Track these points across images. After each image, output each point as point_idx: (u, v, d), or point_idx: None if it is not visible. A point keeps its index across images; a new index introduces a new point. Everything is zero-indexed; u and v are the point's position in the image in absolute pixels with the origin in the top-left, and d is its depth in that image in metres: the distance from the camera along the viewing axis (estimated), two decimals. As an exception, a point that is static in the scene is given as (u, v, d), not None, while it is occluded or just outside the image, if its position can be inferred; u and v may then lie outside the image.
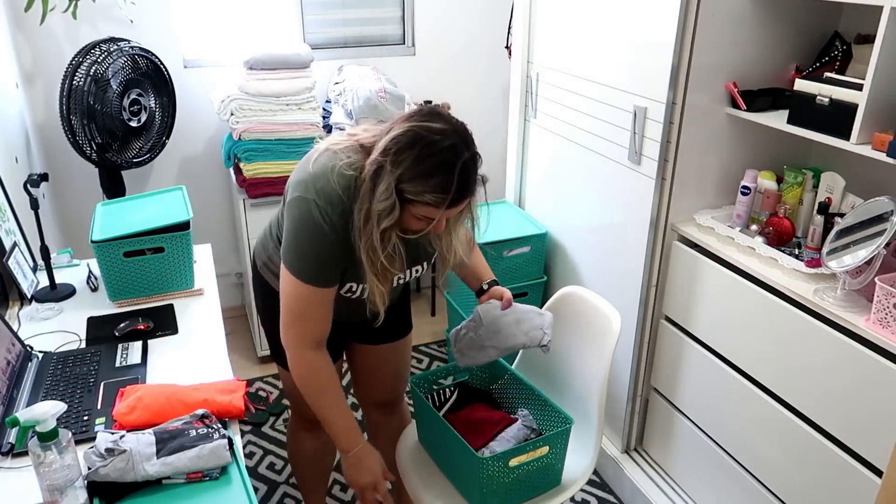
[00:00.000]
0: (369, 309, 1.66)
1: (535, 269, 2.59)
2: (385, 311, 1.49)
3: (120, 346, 1.70)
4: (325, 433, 1.92)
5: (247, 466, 1.37)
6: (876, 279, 1.49)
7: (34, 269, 2.03)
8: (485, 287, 1.71)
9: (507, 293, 1.69)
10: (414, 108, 1.35)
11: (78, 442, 1.34)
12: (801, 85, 1.68)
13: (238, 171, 2.77)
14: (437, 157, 1.26)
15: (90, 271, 2.02)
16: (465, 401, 1.78)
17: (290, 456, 2.03)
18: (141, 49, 2.59)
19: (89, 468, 1.24)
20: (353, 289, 1.51)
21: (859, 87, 1.52)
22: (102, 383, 1.55)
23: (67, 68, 2.47)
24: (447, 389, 1.79)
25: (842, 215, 1.68)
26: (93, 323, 1.81)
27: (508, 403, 1.79)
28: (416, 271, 1.60)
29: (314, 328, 1.48)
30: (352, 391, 2.05)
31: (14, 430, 1.35)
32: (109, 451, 1.24)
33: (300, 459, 1.98)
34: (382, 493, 1.55)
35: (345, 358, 1.87)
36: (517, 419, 1.68)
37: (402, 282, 1.60)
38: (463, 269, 1.73)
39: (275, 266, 1.61)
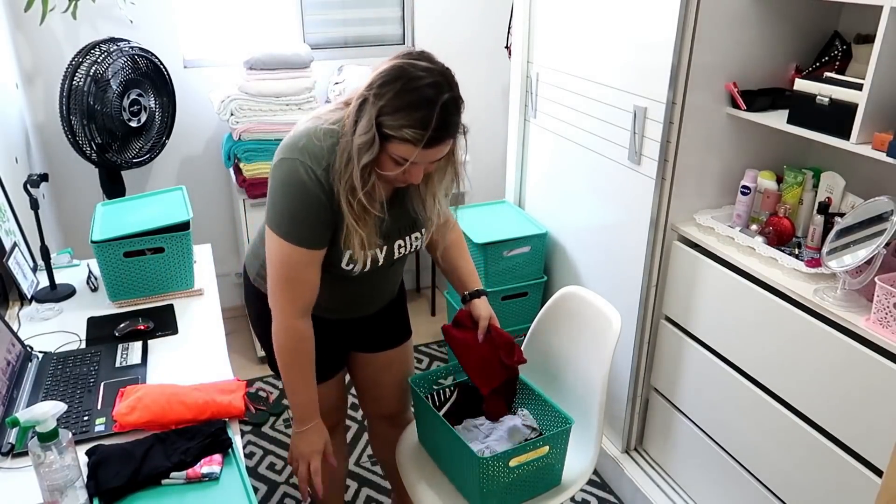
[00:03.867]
0: (370, 297, 1.65)
1: (535, 269, 2.59)
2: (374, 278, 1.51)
3: (120, 346, 1.70)
4: (333, 442, 1.90)
5: (247, 466, 1.37)
6: (876, 279, 1.48)
7: (34, 270, 2.03)
8: (467, 296, 1.69)
9: (485, 319, 1.66)
10: (403, 50, 1.34)
11: (78, 442, 1.34)
12: (801, 85, 1.68)
13: (238, 171, 2.77)
14: (419, 93, 1.25)
15: (90, 271, 2.02)
16: (466, 401, 1.78)
17: None
18: (141, 49, 2.59)
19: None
20: (354, 256, 1.44)
21: (859, 87, 1.52)
22: (102, 383, 1.55)
23: (67, 68, 2.47)
24: (447, 389, 1.79)
25: (842, 215, 1.68)
26: (93, 323, 1.81)
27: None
28: (416, 238, 1.56)
29: (304, 292, 1.44)
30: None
31: (14, 431, 1.36)
32: None
33: None
34: (314, 468, 1.56)
35: (347, 370, 1.86)
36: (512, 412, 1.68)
37: (403, 251, 1.55)
38: (449, 270, 1.71)
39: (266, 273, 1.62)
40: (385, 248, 1.50)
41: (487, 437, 1.66)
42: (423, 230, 1.56)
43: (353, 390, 1.97)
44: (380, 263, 1.51)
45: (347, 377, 1.88)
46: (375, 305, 1.71)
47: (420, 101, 1.25)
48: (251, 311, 1.73)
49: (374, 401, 1.90)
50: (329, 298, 1.60)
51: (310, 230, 1.38)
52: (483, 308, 1.67)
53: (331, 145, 1.35)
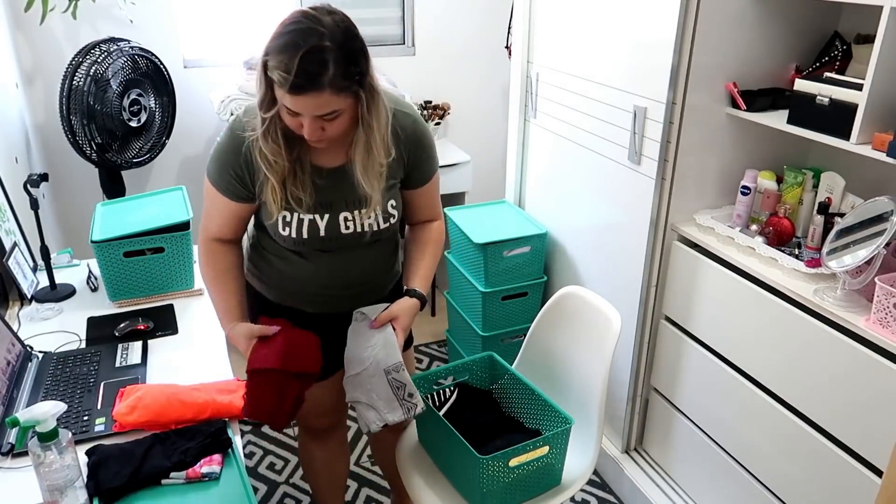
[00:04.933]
0: (339, 285, 1.60)
1: (535, 269, 2.59)
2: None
3: (120, 346, 1.70)
4: (333, 442, 1.91)
5: (247, 466, 1.37)
6: (876, 279, 1.48)
7: (34, 269, 2.03)
8: (404, 289, 1.61)
9: (396, 322, 1.55)
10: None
11: (78, 442, 1.34)
12: (801, 85, 1.68)
13: (238, 171, 2.77)
14: (288, 37, 1.27)
15: (90, 271, 2.02)
16: (466, 401, 1.78)
17: (303, 467, 2.02)
18: (141, 49, 2.59)
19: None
20: (287, 219, 1.47)
21: (859, 87, 1.52)
22: (102, 383, 1.55)
23: (67, 68, 2.47)
24: (447, 389, 1.79)
25: (842, 215, 1.68)
26: (93, 323, 1.81)
27: (508, 403, 1.79)
28: (367, 216, 1.50)
29: (215, 228, 1.57)
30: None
31: (14, 431, 1.36)
32: None
33: (312, 469, 1.97)
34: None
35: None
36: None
37: (351, 226, 1.50)
38: (405, 261, 1.67)
39: (254, 268, 1.64)
40: (327, 216, 1.49)
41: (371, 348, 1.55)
42: (378, 210, 1.51)
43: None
44: (321, 233, 1.49)
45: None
46: (350, 299, 1.61)
47: (286, 44, 1.27)
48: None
49: None
50: (297, 282, 1.59)
51: (221, 173, 1.49)
52: (402, 309, 1.56)
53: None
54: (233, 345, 1.60)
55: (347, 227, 1.51)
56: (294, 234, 1.49)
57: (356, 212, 1.51)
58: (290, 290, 1.61)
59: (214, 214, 1.55)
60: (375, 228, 1.54)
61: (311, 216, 1.48)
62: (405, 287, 1.63)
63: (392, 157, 1.48)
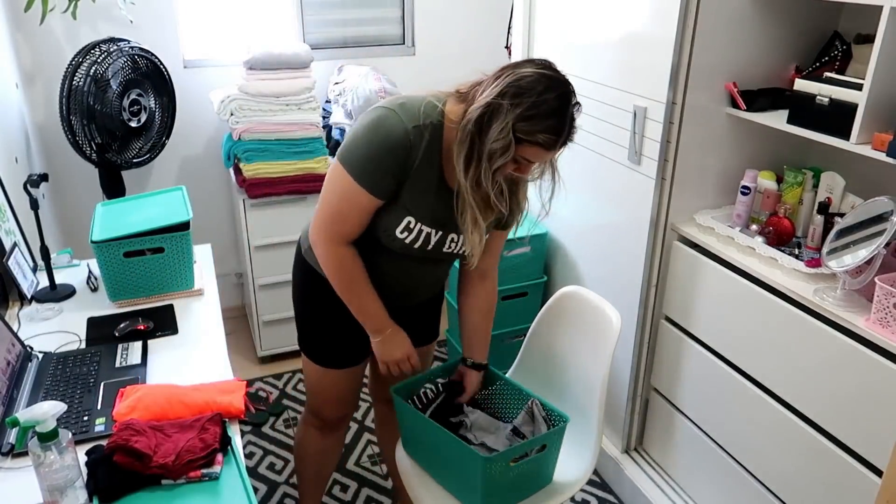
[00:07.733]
0: (413, 288, 1.67)
1: (535, 269, 2.59)
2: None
3: (120, 346, 1.70)
4: (332, 437, 1.92)
5: (247, 466, 1.37)
6: (876, 279, 1.49)
7: (34, 270, 2.03)
8: (468, 363, 1.75)
9: (468, 394, 1.76)
10: (523, 59, 1.46)
11: (78, 442, 1.34)
12: (801, 85, 1.68)
13: (238, 171, 2.77)
14: (555, 102, 1.37)
15: (90, 271, 2.02)
16: (451, 399, 1.75)
17: (295, 452, 2.01)
18: (141, 49, 2.59)
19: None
20: (411, 226, 1.49)
21: (859, 87, 1.53)
22: (102, 383, 1.55)
23: (67, 68, 2.47)
24: (429, 390, 1.74)
25: (842, 215, 1.68)
26: (93, 323, 1.81)
27: (502, 405, 1.78)
28: (452, 240, 1.57)
29: (347, 230, 1.50)
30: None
31: (14, 431, 1.35)
32: None
33: (304, 457, 1.96)
34: (414, 362, 1.65)
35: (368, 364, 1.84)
36: None
37: (453, 247, 1.58)
38: (468, 326, 1.75)
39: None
40: (440, 233, 1.53)
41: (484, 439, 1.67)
42: (455, 234, 1.57)
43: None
44: (429, 246, 1.53)
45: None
46: (414, 298, 1.71)
47: (554, 109, 1.37)
48: (295, 280, 1.75)
49: (383, 387, 1.86)
50: (375, 278, 1.58)
51: (378, 176, 1.43)
52: (475, 382, 1.75)
53: (427, 113, 1.43)
54: (382, 350, 1.62)
55: (450, 247, 1.57)
56: (409, 241, 1.52)
57: (462, 236, 1.55)
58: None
59: (353, 215, 1.48)
60: (468, 252, 1.57)
61: (430, 230, 1.52)
62: (469, 359, 1.75)
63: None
